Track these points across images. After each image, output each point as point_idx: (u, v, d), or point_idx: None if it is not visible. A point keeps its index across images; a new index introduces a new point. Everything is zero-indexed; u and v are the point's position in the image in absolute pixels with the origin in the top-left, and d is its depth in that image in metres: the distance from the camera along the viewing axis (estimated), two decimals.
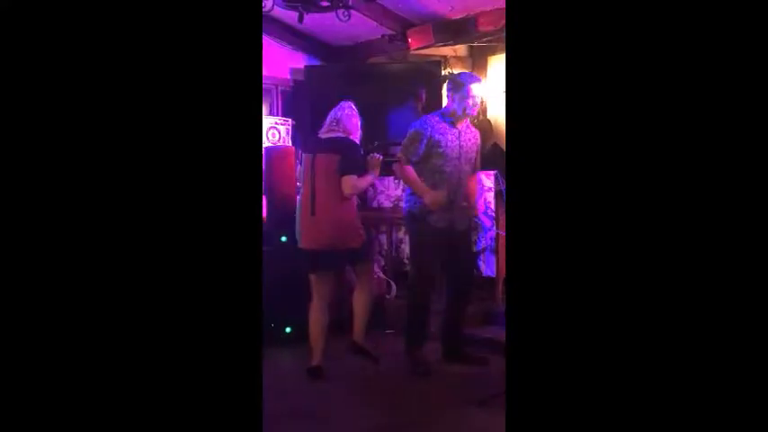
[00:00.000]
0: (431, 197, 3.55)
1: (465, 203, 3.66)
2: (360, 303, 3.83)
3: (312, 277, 3.68)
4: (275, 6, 4.31)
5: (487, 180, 4.70)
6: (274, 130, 5.40)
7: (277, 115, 5.66)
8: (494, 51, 5.51)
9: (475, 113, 3.77)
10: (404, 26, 5.12)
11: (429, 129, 3.62)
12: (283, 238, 4.32)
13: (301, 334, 4.01)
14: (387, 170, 5.14)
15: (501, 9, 4.50)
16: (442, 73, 5.52)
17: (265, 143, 5.18)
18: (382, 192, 5.31)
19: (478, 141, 3.74)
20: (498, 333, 3.87)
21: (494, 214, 4.56)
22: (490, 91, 5.58)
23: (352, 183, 3.53)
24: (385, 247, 5.28)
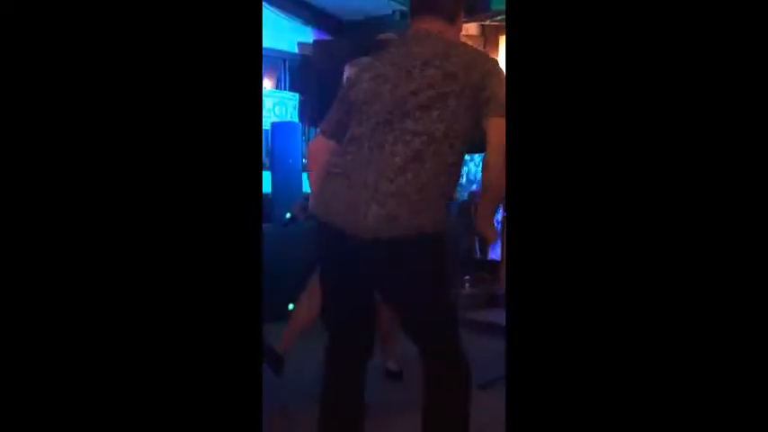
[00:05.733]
0: None
1: None
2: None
3: None
4: None
5: None
6: (281, 105, 5.35)
7: (284, 89, 5.60)
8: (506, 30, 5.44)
9: None
10: None
11: None
12: (288, 215, 4.31)
13: None
14: None
15: None
16: None
17: (272, 118, 5.13)
18: None
19: None
20: (499, 316, 3.87)
21: None
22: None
23: None
24: None
